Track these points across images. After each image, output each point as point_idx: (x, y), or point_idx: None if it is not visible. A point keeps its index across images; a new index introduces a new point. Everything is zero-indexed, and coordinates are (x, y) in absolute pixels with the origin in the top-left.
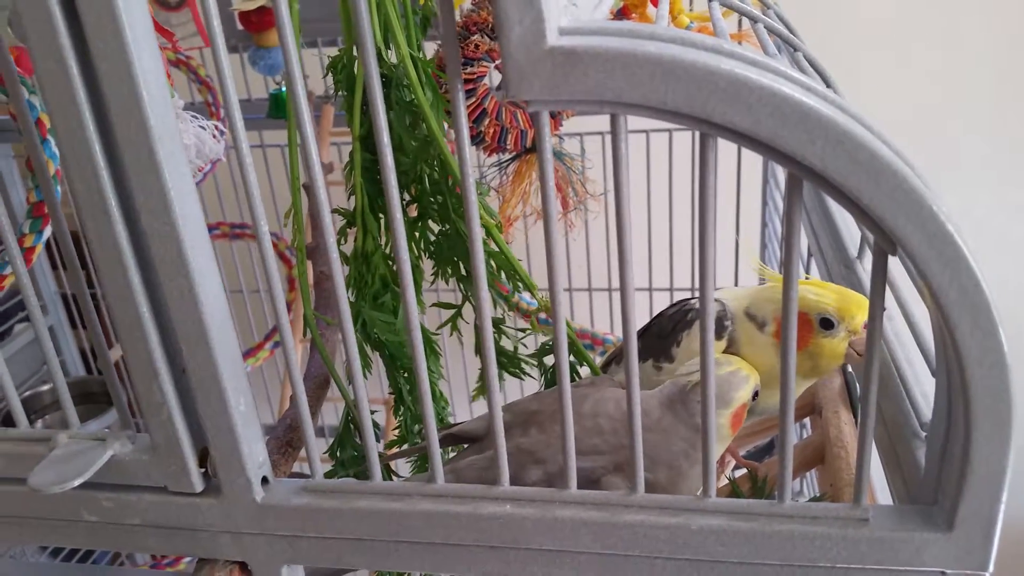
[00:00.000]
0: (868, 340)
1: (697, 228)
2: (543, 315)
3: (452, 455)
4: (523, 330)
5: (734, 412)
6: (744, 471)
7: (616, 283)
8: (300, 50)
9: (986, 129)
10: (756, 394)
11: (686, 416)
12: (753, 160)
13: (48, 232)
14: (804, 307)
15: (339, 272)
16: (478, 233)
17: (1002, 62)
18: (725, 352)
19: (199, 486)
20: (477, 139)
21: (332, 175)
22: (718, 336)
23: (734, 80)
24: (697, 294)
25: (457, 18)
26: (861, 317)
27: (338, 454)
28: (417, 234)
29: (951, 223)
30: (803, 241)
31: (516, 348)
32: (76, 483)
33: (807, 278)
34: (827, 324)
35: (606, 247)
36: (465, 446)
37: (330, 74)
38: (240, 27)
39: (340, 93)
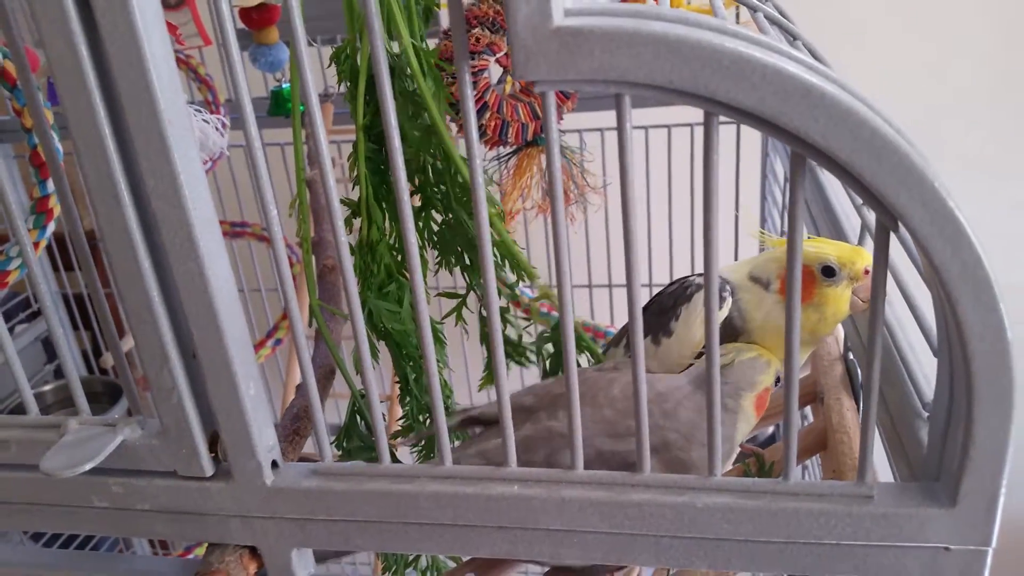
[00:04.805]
0: (871, 312)
1: (699, 217)
2: (543, 308)
3: (473, 436)
4: (527, 318)
5: (758, 395)
6: (749, 458)
7: (615, 279)
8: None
9: (983, 125)
10: (779, 379)
11: None
12: (751, 160)
13: (51, 228)
14: (805, 260)
15: (348, 260)
16: (485, 220)
17: (1000, 58)
18: (728, 327)
19: (209, 470)
20: (478, 133)
21: (332, 171)
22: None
23: (738, 58)
24: (696, 272)
25: None
26: (861, 263)
27: (344, 444)
28: (420, 224)
29: (952, 200)
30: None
31: (520, 337)
32: (87, 467)
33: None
34: (829, 272)
35: (606, 243)
36: (478, 429)
37: (327, 72)
38: (239, 25)
39: (343, 84)
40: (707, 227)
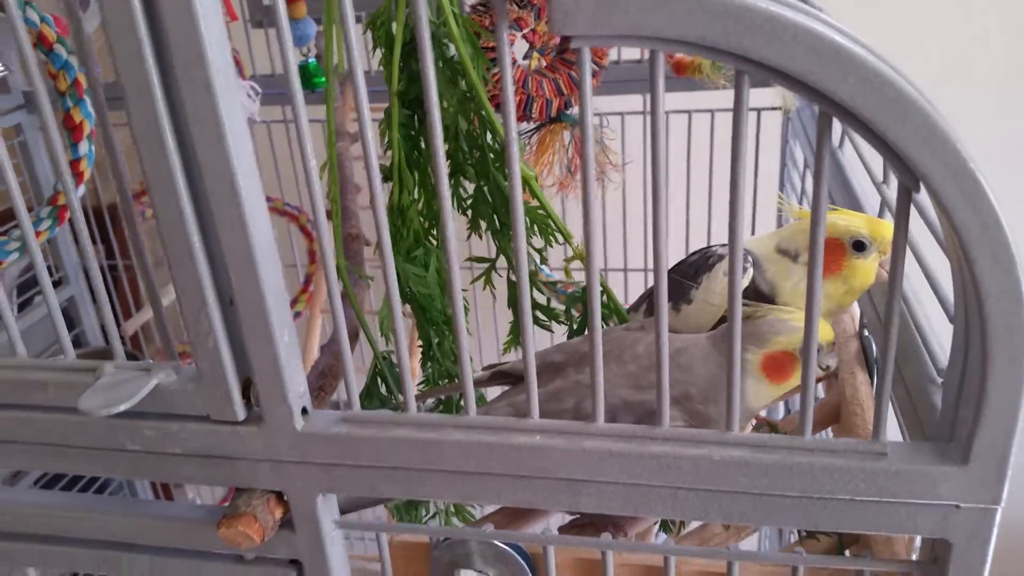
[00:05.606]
0: (891, 268)
1: (716, 205)
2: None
3: (504, 391)
4: (555, 283)
5: (768, 353)
6: (763, 428)
7: (631, 263)
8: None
9: (990, 125)
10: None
11: None
12: (771, 147)
13: (81, 190)
14: (836, 233)
15: (384, 221)
16: (517, 176)
17: (1011, 56)
18: (756, 295)
19: (241, 415)
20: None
21: (357, 144)
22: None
23: (770, 17)
24: (718, 243)
25: None
26: (891, 236)
27: (365, 404)
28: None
29: (973, 161)
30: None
31: (549, 300)
32: (123, 407)
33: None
34: (860, 246)
35: (622, 228)
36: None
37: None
38: (266, 2)
39: (378, 50)
40: (733, 187)
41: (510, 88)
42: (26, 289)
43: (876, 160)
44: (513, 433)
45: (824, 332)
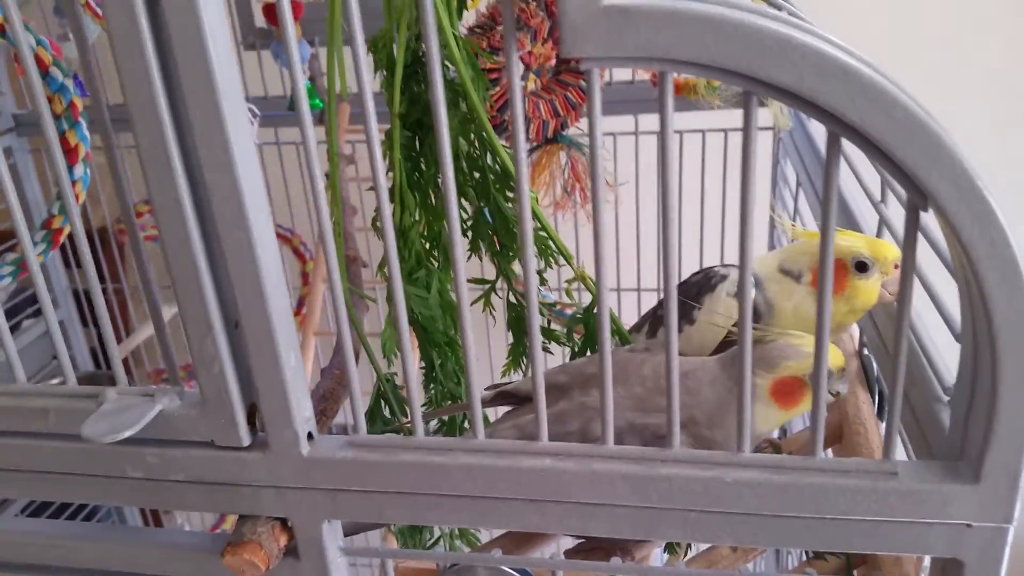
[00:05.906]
0: (901, 286)
1: (708, 224)
2: (559, 307)
3: (507, 411)
4: (553, 305)
5: (777, 379)
6: (766, 448)
7: (624, 283)
8: (338, 46)
9: (992, 137)
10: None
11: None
12: (762, 166)
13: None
14: (838, 253)
15: (391, 240)
16: (527, 197)
17: (1011, 70)
18: (753, 310)
19: (246, 440)
20: (501, 127)
21: (350, 167)
22: None
23: (779, 38)
24: (720, 263)
25: (483, 9)
26: (892, 257)
27: (369, 427)
28: None
29: (981, 180)
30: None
31: (549, 322)
32: (127, 434)
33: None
34: (862, 267)
35: (616, 248)
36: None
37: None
38: (258, 24)
39: (379, 72)
40: (744, 203)
41: (519, 104)
42: (12, 315)
43: (870, 177)
44: (522, 456)
45: (835, 358)
